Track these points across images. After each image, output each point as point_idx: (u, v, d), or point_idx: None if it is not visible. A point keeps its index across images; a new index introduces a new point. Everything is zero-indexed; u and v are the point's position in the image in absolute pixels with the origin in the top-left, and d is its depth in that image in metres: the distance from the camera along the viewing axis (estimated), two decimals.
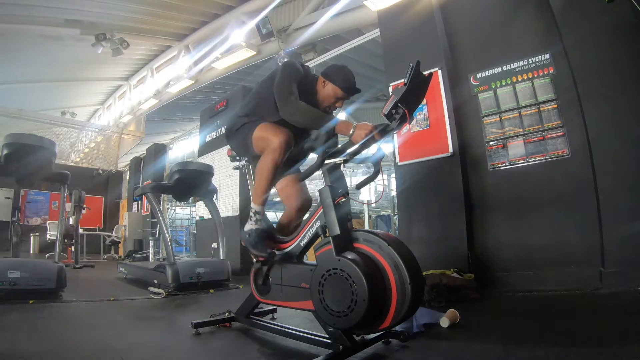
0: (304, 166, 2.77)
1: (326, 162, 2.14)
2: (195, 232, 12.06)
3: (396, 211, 9.87)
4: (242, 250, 6.14)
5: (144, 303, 4.09)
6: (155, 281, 4.76)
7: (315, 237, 2.27)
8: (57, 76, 11.97)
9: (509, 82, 4.30)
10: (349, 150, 2.16)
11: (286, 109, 2.33)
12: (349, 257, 1.94)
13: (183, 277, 4.55)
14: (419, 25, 4.84)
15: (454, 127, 4.39)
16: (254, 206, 2.46)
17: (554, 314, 2.99)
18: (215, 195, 5.68)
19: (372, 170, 2.36)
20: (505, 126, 4.28)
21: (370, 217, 11.71)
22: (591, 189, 3.69)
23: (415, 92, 1.97)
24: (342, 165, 2.24)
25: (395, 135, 4.77)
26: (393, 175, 7.71)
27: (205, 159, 7.82)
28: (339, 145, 2.13)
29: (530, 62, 4.21)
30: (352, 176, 15.37)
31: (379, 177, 2.31)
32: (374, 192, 14.82)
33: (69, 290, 4.08)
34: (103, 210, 14.56)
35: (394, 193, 11.36)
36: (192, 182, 5.21)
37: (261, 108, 2.56)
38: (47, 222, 11.31)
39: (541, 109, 4.10)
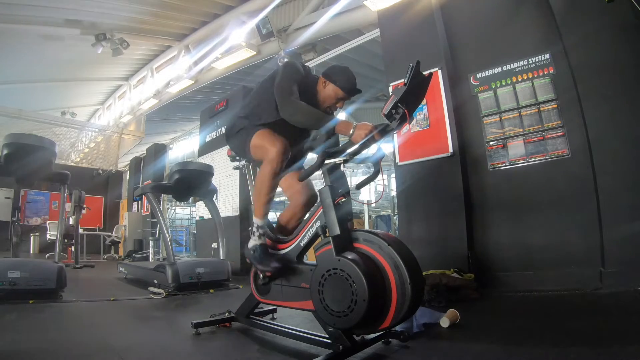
0: (305, 165, 2.77)
1: (326, 162, 2.14)
2: (195, 232, 12.07)
3: (396, 211, 9.88)
4: (242, 250, 6.14)
5: (144, 303, 4.09)
6: (155, 281, 4.76)
7: (315, 237, 2.27)
8: (57, 76, 11.98)
9: (509, 82, 4.30)
10: (349, 150, 2.16)
11: (286, 108, 2.33)
12: (349, 257, 1.94)
13: (183, 277, 4.55)
14: (419, 25, 4.84)
15: (454, 127, 4.39)
16: (256, 221, 2.45)
17: (554, 314, 2.99)
18: (215, 195, 5.68)
19: (372, 170, 2.36)
20: (505, 126, 4.28)
21: (370, 217, 11.72)
22: (591, 189, 3.69)
23: (415, 92, 1.97)
24: (342, 165, 2.25)
25: (395, 135, 4.77)
26: (393, 175, 7.69)
27: (205, 159, 7.82)
28: (339, 145, 2.13)
29: (530, 62, 4.21)
30: (352, 176, 15.36)
31: (379, 177, 2.32)
32: (374, 192, 14.85)
33: (69, 290, 4.08)
34: (103, 210, 14.57)
35: (394, 193, 11.37)
36: (192, 182, 5.22)
37: (261, 108, 2.55)
38: (47, 222, 11.31)
39: (541, 109, 4.10)
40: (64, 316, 3.34)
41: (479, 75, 4.50)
